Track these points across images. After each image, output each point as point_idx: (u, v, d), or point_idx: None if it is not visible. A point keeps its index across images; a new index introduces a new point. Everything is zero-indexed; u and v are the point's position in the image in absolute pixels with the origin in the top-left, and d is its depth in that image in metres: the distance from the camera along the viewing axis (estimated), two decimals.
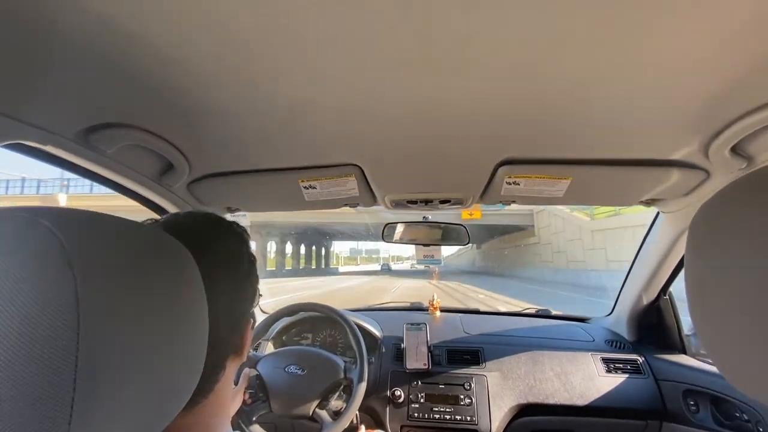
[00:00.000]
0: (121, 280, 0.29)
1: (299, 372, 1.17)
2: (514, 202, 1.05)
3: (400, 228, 1.31)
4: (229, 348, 0.47)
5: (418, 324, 1.45)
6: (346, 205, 1.12)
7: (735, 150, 0.72)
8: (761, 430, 0.99)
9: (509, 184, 0.94)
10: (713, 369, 1.16)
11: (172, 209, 0.98)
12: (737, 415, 1.08)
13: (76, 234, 0.27)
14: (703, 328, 0.34)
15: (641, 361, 1.35)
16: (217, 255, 0.46)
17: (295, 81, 0.58)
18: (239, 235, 0.51)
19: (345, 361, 1.21)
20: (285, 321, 1.57)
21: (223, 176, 0.94)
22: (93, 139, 0.66)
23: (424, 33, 0.48)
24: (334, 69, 0.55)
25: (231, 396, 0.51)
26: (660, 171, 0.86)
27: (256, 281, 0.52)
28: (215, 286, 0.42)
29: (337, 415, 1.11)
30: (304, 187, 0.98)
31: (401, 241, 1.34)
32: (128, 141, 0.69)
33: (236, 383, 1.14)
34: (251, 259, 0.51)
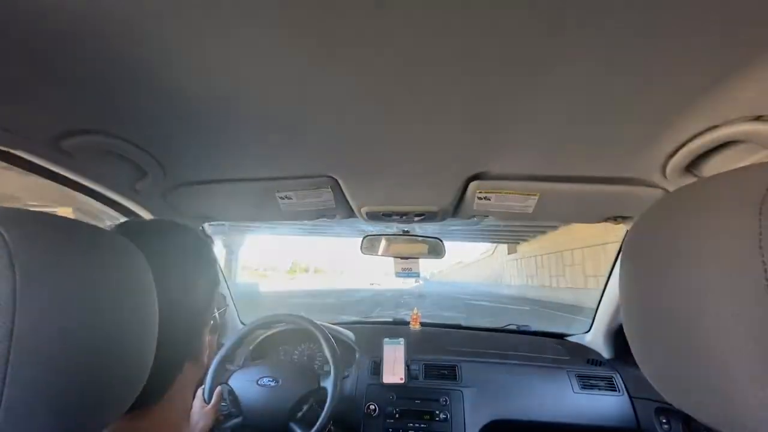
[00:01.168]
0: (64, 279, 0.29)
1: (272, 384, 1.15)
2: (486, 217, 1.08)
3: (378, 240, 1.33)
4: (184, 350, 0.47)
5: (397, 338, 1.45)
6: (322, 216, 1.13)
7: (689, 170, 0.75)
8: None
9: (480, 198, 0.96)
10: None
11: (147, 217, 0.99)
12: None
13: (21, 233, 0.28)
14: (635, 345, 0.35)
15: (616, 378, 1.35)
16: (170, 256, 0.46)
17: (270, 92, 0.59)
18: (196, 238, 0.52)
19: (319, 373, 1.20)
20: (262, 333, 1.56)
21: (199, 185, 0.95)
22: (65, 145, 0.67)
23: (397, 53, 0.50)
24: (308, 83, 0.56)
25: (188, 405, 0.51)
26: (624, 189, 0.89)
27: (216, 284, 0.53)
28: (168, 287, 0.43)
29: (310, 426, 1.09)
30: (280, 198, 0.99)
31: (379, 254, 1.35)
32: (101, 148, 0.70)
33: (203, 395, 1.13)
34: (209, 263, 0.52)
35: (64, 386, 0.28)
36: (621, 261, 0.37)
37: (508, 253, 25.85)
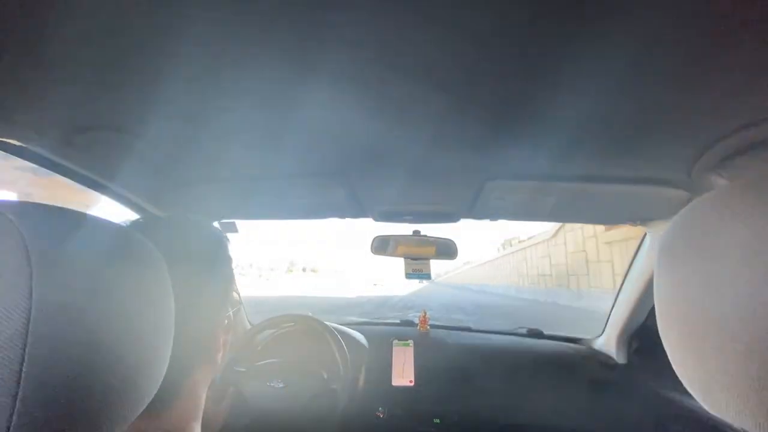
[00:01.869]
0: (81, 276, 0.28)
1: (281, 386, 1.14)
2: (501, 217, 1.06)
3: (388, 241, 1.31)
4: (200, 351, 0.46)
5: (406, 340, 1.43)
6: (334, 215, 1.12)
7: (716, 171, 0.73)
8: None
9: (496, 199, 0.94)
10: None
11: (159, 214, 0.98)
12: None
13: (38, 228, 0.27)
14: (672, 351, 0.34)
15: (630, 383, 1.33)
16: (187, 254, 0.45)
17: (281, 92, 0.58)
18: (215, 238, 0.51)
19: (328, 374, 1.19)
20: (270, 333, 1.55)
21: (211, 183, 0.94)
22: (79, 141, 0.66)
23: (411, 48, 0.48)
24: (320, 82, 0.55)
25: (201, 405, 0.50)
26: (645, 191, 0.87)
27: (231, 283, 0.52)
28: (184, 285, 0.42)
29: (320, 428, 1.08)
30: (292, 196, 0.98)
31: (390, 254, 1.33)
32: (114, 144, 0.70)
33: (212, 397, 1.12)
34: (225, 261, 0.51)
35: (78, 384, 0.27)
36: (656, 268, 0.36)
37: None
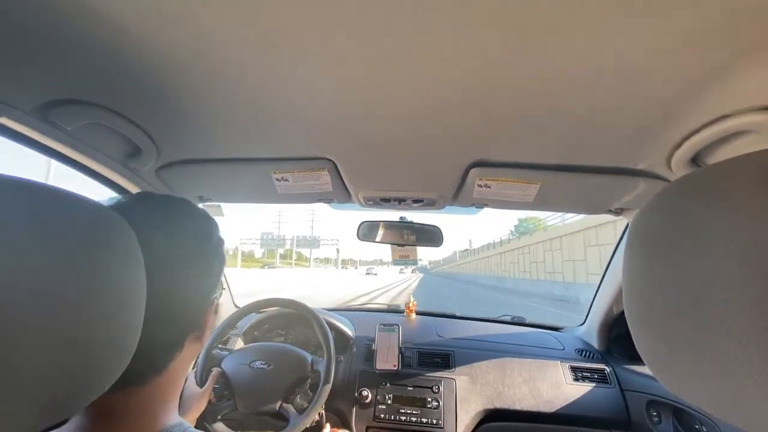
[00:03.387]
0: (42, 248, 0.28)
1: (265, 367, 1.15)
2: (486, 205, 1.06)
3: (375, 227, 1.31)
4: (189, 327, 0.46)
5: (391, 325, 1.45)
6: (320, 200, 1.11)
7: (695, 161, 0.73)
8: None
9: (480, 186, 0.94)
10: None
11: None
12: (697, 427, 1.09)
13: None
14: (636, 331, 0.34)
15: (609, 371, 1.36)
16: (179, 232, 0.45)
17: (267, 69, 0.57)
18: (205, 216, 0.51)
19: (313, 357, 1.20)
20: (256, 317, 1.55)
21: (194, 163, 0.92)
22: (53, 115, 0.64)
23: (400, 37, 0.48)
24: (307, 61, 0.55)
25: (181, 384, 0.50)
26: (626, 180, 0.87)
27: (222, 264, 0.52)
28: (175, 263, 0.43)
29: (303, 409, 1.09)
30: (277, 180, 0.97)
31: (376, 240, 1.34)
32: (91, 119, 0.68)
33: (195, 378, 1.12)
34: (217, 242, 0.51)
35: (40, 361, 0.27)
36: (625, 251, 0.36)
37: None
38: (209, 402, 1.12)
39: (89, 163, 0.80)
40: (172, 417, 0.46)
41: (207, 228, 0.50)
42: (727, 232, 0.25)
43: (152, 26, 0.49)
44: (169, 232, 0.44)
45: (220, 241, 0.51)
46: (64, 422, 0.40)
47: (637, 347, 0.35)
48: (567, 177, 0.88)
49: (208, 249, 0.48)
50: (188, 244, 0.46)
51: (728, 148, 0.69)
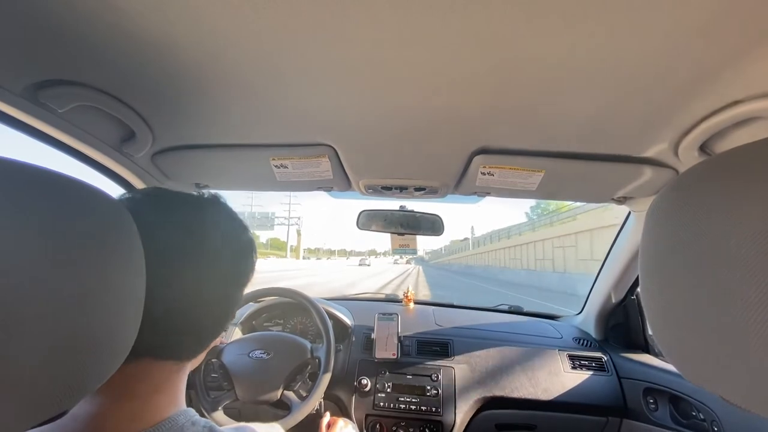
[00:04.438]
0: (38, 234, 0.26)
1: (264, 356, 1.15)
2: (488, 193, 1.05)
3: (374, 216, 1.30)
4: (226, 323, 0.49)
5: (390, 314, 1.45)
6: (319, 188, 1.09)
7: (703, 149, 0.72)
8: (716, 429, 1.02)
9: (484, 174, 0.93)
10: (673, 368, 1.18)
11: (134, 180, 0.94)
12: (694, 413, 1.11)
13: None
14: (655, 322, 0.34)
15: (606, 359, 1.37)
16: (217, 234, 0.46)
17: (266, 53, 0.55)
18: (238, 217, 0.51)
19: (312, 345, 1.19)
20: (254, 306, 1.54)
21: (191, 149, 0.90)
22: (43, 96, 0.62)
23: (403, 22, 0.47)
24: (307, 45, 0.53)
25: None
26: (632, 168, 0.86)
27: (253, 265, 0.52)
28: (211, 267, 0.45)
29: (304, 398, 1.09)
30: (276, 166, 0.95)
31: (376, 229, 1.32)
32: (83, 101, 0.65)
33: None
34: (252, 245, 0.52)
35: (35, 352, 0.25)
36: (642, 241, 0.36)
37: None
38: (207, 392, 1.12)
39: (82, 147, 0.77)
40: (180, 403, 0.46)
41: (240, 226, 0.50)
42: (745, 218, 0.24)
43: (148, 5, 0.47)
44: (193, 231, 0.44)
45: (250, 241, 0.52)
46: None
47: (655, 338, 0.34)
48: (572, 165, 0.87)
49: (245, 242, 0.50)
50: (218, 245, 0.46)
51: (738, 134, 0.68)
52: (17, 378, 0.24)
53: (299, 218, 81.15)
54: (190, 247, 0.42)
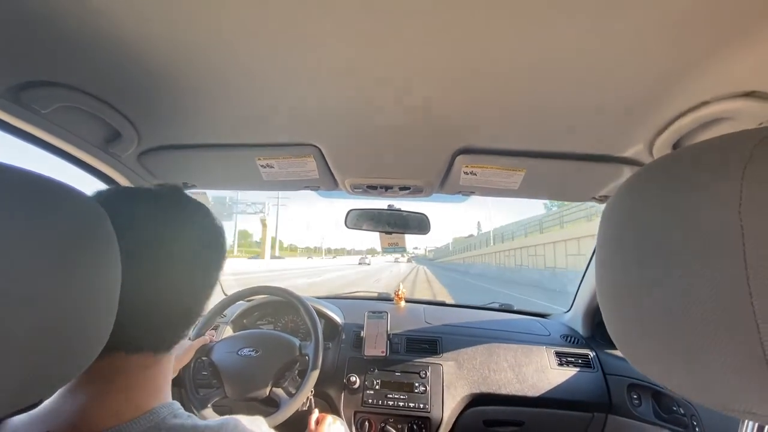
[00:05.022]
0: (9, 235, 0.27)
1: (253, 354, 1.15)
2: (473, 193, 1.06)
3: (362, 215, 1.31)
4: (195, 316, 0.49)
5: (380, 312, 1.46)
6: (306, 187, 1.10)
7: (675, 148, 0.74)
8: (695, 423, 1.03)
9: (466, 174, 0.94)
10: None
11: (121, 180, 0.95)
12: (674, 408, 1.13)
13: None
14: (606, 314, 0.35)
15: (592, 355, 1.39)
16: (194, 223, 0.48)
17: (252, 54, 0.56)
18: (209, 210, 0.52)
19: (302, 343, 1.20)
20: (245, 305, 1.55)
21: (177, 149, 0.91)
22: (26, 97, 0.62)
23: (387, 23, 0.48)
24: (292, 47, 0.54)
25: (172, 364, 0.52)
26: (610, 167, 0.88)
27: (223, 254, 0.53)
28: (186, 257, 0.46)
29: (293, 395, 1.10)
30: (262, 166, 0.96)
31: (364, 228, 1.34)
32: (67, 102, 0.66)
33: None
34: (222, 234, 0.52)
35: (5, 342, 0.26)
36: (598, 235, 0.37)
37: None
38: (197, 390, 1.13)
39: (67, 147, 0.78)
40: (163, 397, 0.47)
41: (210, 216, 0.51)
42: (692, 214, 0.25)
43: (130, 5, 0.48)
44: (170, 224, 0.45)
45: (222, 231, 0.52)
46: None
47: (608, 328, 0.35)
48: (552, 164, 0.88)
49: (216, 235, 0.50)
50: (194, 235, 0.47)
51: (708, 134, 0.69)
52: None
53: (264, 204, 57.36)
54: (154, 239, 0.43)
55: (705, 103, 0.62)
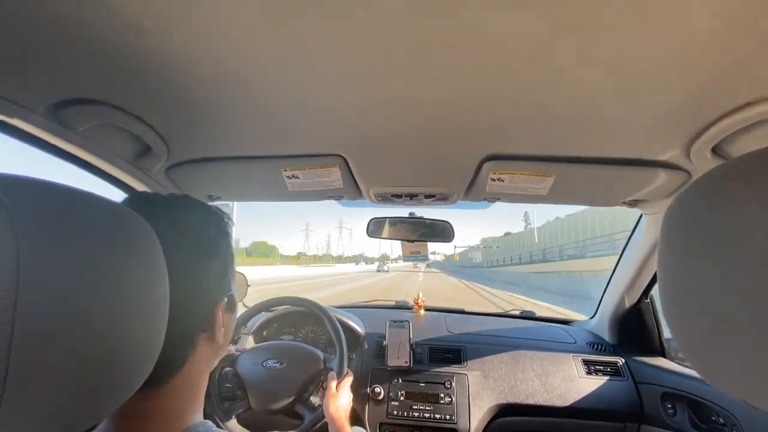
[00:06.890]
0: (69, 251, 0.27)
1: (277, 366, 1.15)
2: (498, 199, 1.05)
3: (385, 223, 1.30)
4: (196, 327, 0.46)
5: (401, 321, 1.44)
6: (330, 197, 1.10)
7: (716, 151, 0.72)
8: None
9: (494, 180, 0.93)
10: (692, 372, 1.16)
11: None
12: (713, 418, 1.09)
13: (23, 201, 0.26)
14: (676, 326, 0.34)
15: (621, 363, 1.35)
16: (184, 230, 0.45)
17: (278, 67, 0.56)
18: (211, 212, 0.51)
19: (325, 355, 1.19)
20: (266, 316, 1.55)
21: (204, 162, 0.91)
22: (64, 115, 0.63)
23: (412, 28, 0.47)
24: (318, 58, 0.54)
25: (203, 387, 0.50)
26: (643, 172, 0.86)
27: (231, 262, 0.52)
28: (186, 262, 0.43)
29: (316, 408, 1.09)
30: (287, 177, 0.96)
31: (386, 237, 1.33)
32: (102, 119, 0.67)
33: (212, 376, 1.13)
34: (227, 240, 0.51)
35: (68, 364, 0.26)
36: (661, 242, 0.35)
37: None
38: (222, 402, 1.12)
39: (99, 163, 0.79)
40: (196, 417, 0.46)
41: (212, 225, 0.49)
42: (764, 223, 0.24)
43: (163, 25, 0.48)
44: (167, 230, 0.42)
45: (228, 237, 0.51)
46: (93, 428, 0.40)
47: (677, 342, 0.34)
48: (582, 169, 0.87)
49: (210, 247, 0.48)
50: (189, 242, 0.45)
51: (751, 136, 0.67)
52: (45, 390, 0.25)
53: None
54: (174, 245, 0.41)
55: (749, 104, 0.60)
